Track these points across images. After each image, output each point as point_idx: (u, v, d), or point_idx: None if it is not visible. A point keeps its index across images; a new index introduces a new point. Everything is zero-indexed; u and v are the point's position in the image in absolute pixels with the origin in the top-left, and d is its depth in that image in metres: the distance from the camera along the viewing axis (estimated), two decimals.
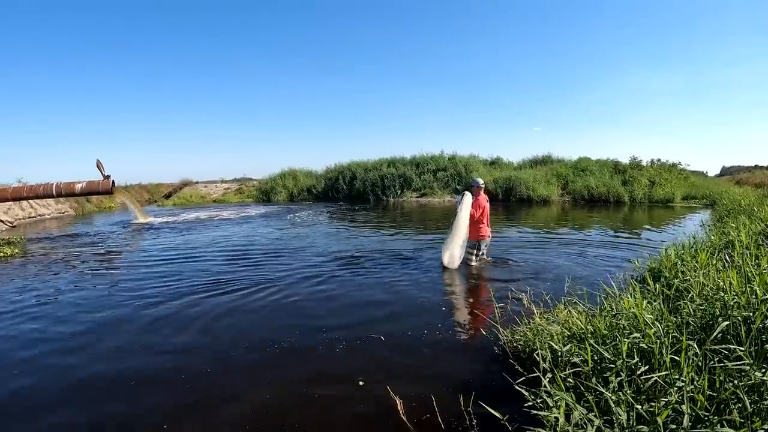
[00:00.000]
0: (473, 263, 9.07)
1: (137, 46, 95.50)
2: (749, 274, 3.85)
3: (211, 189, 40.13)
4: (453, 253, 8.81)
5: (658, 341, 3.07)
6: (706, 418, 2.48)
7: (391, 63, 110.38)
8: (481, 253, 9.18)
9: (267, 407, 3.96)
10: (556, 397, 2.88)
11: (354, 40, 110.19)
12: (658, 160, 30.40)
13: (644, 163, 29.95)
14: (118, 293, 7.67)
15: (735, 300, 3.45)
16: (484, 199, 9.06)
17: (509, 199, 27.56)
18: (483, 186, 9.17)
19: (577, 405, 2.77)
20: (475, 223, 8.88)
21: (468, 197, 8.91)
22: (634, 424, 2.58)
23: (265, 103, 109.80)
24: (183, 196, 36.97)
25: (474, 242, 9.03)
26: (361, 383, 4.29)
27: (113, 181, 17.90)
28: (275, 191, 35.44)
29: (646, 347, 3.14)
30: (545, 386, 3.09)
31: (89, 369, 4.82)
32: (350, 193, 33.64)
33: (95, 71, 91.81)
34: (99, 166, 17.54)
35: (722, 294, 3.67)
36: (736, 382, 2.60)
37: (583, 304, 4.68)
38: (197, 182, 42.56)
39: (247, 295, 7.29)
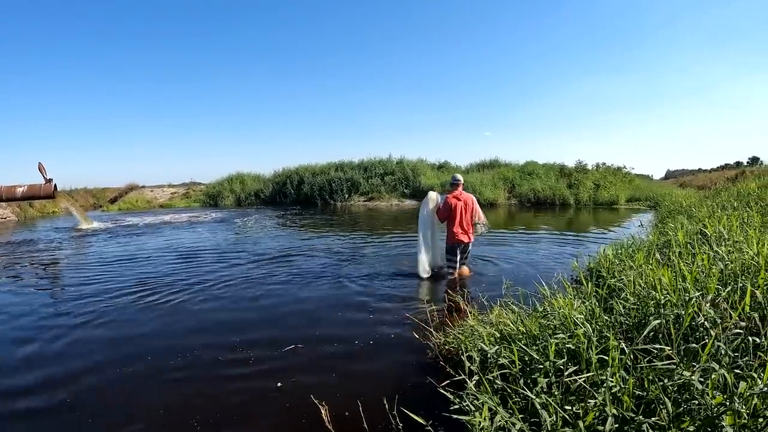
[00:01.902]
0: (452, 273, 8.15)
1: (80, 48, 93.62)
2: (684, 272, 3.79)
3: (158, 193, 39.34)
4: (420, 260, 8.16)
5: (586, 341, 2.97)
6: (632, 420, 2.38)
7: (340, 67, 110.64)
8: (458, 259, 8.11)
9: (176, 413, 3.88)
10: (481, 400, 2.78)
11: (304, 44, 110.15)
12: (603, 164, 31.13)
13: (590, 167, 30.51)
14: (40, 304, 7.39)
15: (667, 298, 3.38)
16: (455, 197, 7.89)
17: None
18: (459, 182, 8.07)
19: (499, 408, 2.67)
20: (447, 225, 8.01)
21: (431, 197, 8.25)
22: (559, 426, 2.47)
23: (213, 106, 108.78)
24: (129, 200, 35.99)
25: (449, 247, 8.08)
26: (279, 384, 4.28)
27: (55, 185, 17.44)
28: (222, 195, 34.85)
29: (573, 347, 3.04)
30: (470, 389, 3.02)
31: None
32: (298, 197, 33.27)
33: (38, 72, 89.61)
34: (41, 169, 16.99)
35: (654, 293, 3.61)
36: (665, 381, 2.51)
37: (518, 306, 4.59)
38: (144, 186, 41.64)
39: (172, 301, 7.18)
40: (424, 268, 8.10)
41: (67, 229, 19.31)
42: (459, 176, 8.17)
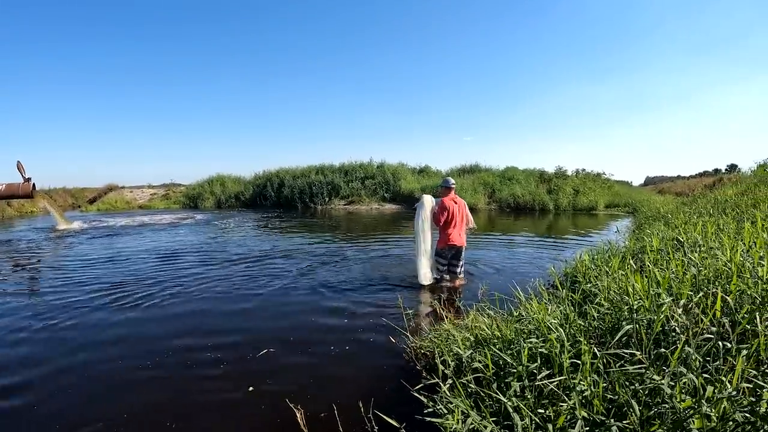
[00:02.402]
0: (446, 276, 7.92)
1: (59, 47, 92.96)
2: (658, 278, 3.83)
3: (137, 194, 39.02)
4: (421, 266, 7.75)
5: (559, 345, 3.00)
6: (602, 423, 2.41)
7: (324, 72, 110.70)
8: (449, 263, 7.89)
9: (141, 416, 3.84)
10: (454, 404, 2.82)
11: (286, 47, 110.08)
12: (583, 170, 31.42)
13: (569, 173, 30.81)
14: (12, 304, 7.27)
15: (639, 303, 3.41)
16: (452, 200, 7.71)
17: None
18: (453, 186, 7.85)
19: (471, 411, 2.70)
20: (441, 228, 7.71)
21: (426, 200, 7.83)
22: (532, 429, 2.51)
23: (194, 107, 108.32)
24: (108, 201, 35.62)
25: (441, 251, 7.83)
26: (250, 388, 4.25)
27: (34, 184, 17.20)
28: (202, 197, 34.74)
29: (546, 352, 3.07)
30: (444, 392, 3.04)
31: None
32: (278, 200, 33.26)
33: (16, 70, 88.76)
34: (20, 168, 16.72)
35: (627, 298, 3.64)
36: (636, 385, 2.54)
37: (495, 310, 4.61)
38: (123, 187, 41.26)
39: (144, 303, 7.10)
40: (425, 275, 7.76)
41: (46, 229, 19.06)
42: (452, 180, 7.91)
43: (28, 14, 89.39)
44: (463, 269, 8.07)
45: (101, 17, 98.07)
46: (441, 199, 7.80)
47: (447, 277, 7.96)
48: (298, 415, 3.24)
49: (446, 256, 7.86)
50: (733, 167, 48.48)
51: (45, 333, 5.84)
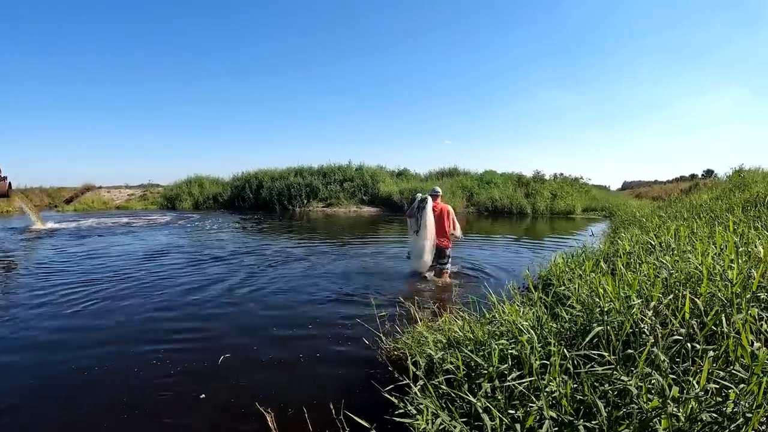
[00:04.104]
0: (443, 272, 8.64)
1: (37, 42, 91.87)
2: (629, 280, 3.86)
3: (115, 195, 38.60)
4: (422, 255, 8.48)
5: (530, 347, 3.01)
6: (570, 423, 2.42)
7: (302, 73, 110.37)
8: (437, 262, 8.70)
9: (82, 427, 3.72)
10: (423, 404, 2.81)
11: (265, 48, 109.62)
12: (561, 174, 31.75)
13: (547, 177, 31.07)
14: None
15: (610, 305, 3.43)
16: (437, 206, 8.61)
17: None
18: (438, 194, 8.80)
19: (440, 411, 2.72)
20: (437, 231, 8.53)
21: (429, 200, 8.50)
22: (502, 430, 2.53)
23: (173, 107, 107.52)
24: (85, 201, 35.17)
25: (437, 251, 8.60)
26: (202, 396, 4.15)
27: (10, 183, 16.99)
28: (180, 198, 34.47)
29: (516, 353, 3.09)
30: (415, 393, 3.03)
31: None
32: (257, 201, 33.14)
33: None
34: None
35: (598, 300, 3.67)
36: (606, 386, 2.56)
37: (469, 312, 4.62)
38: (100, 187, 40.78)
39: (100, 303, 7.06)
40: (424, 264, 8.55)
41: (22, 229, 18.75)
42: (437, 188, 8.96)
43: None
44: (448, 268, 8.75)
45: (79, 10, 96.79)
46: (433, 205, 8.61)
47: (433, 275, 8.68)
48: (269, 417, 3.22)
49: (447, 254, 8.69)
50: (709, 172, 48.99)
51: None
